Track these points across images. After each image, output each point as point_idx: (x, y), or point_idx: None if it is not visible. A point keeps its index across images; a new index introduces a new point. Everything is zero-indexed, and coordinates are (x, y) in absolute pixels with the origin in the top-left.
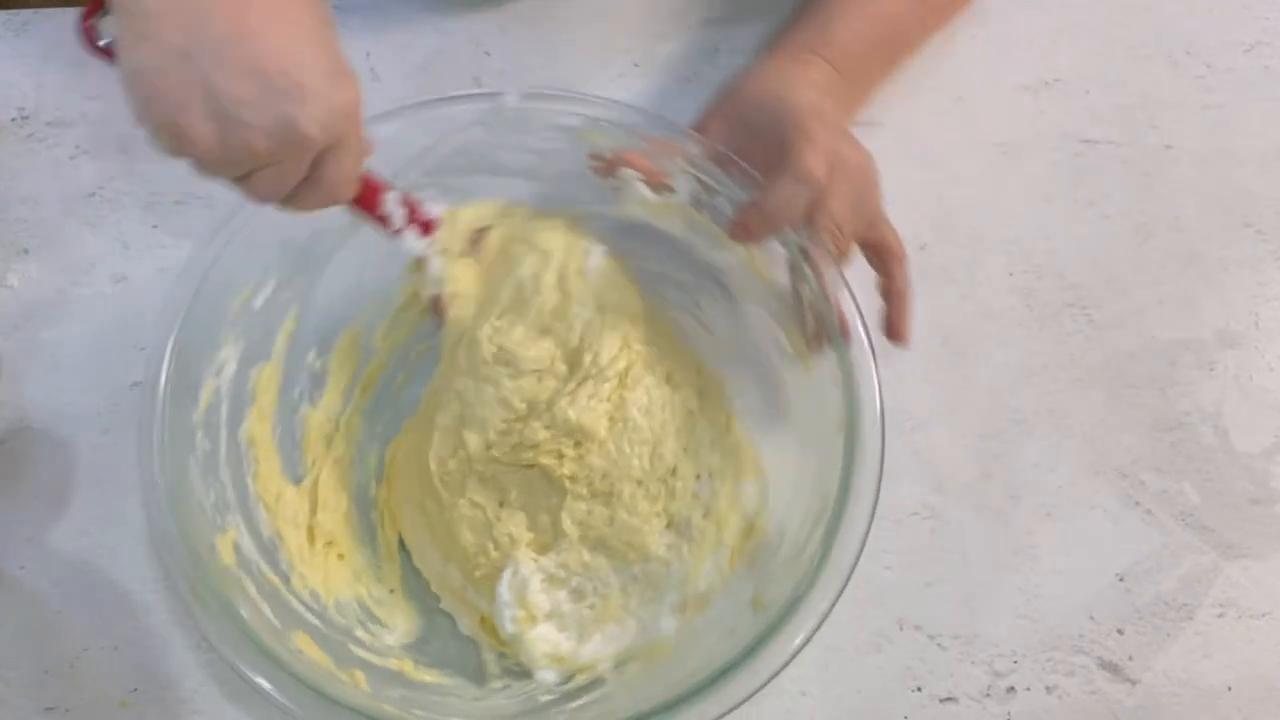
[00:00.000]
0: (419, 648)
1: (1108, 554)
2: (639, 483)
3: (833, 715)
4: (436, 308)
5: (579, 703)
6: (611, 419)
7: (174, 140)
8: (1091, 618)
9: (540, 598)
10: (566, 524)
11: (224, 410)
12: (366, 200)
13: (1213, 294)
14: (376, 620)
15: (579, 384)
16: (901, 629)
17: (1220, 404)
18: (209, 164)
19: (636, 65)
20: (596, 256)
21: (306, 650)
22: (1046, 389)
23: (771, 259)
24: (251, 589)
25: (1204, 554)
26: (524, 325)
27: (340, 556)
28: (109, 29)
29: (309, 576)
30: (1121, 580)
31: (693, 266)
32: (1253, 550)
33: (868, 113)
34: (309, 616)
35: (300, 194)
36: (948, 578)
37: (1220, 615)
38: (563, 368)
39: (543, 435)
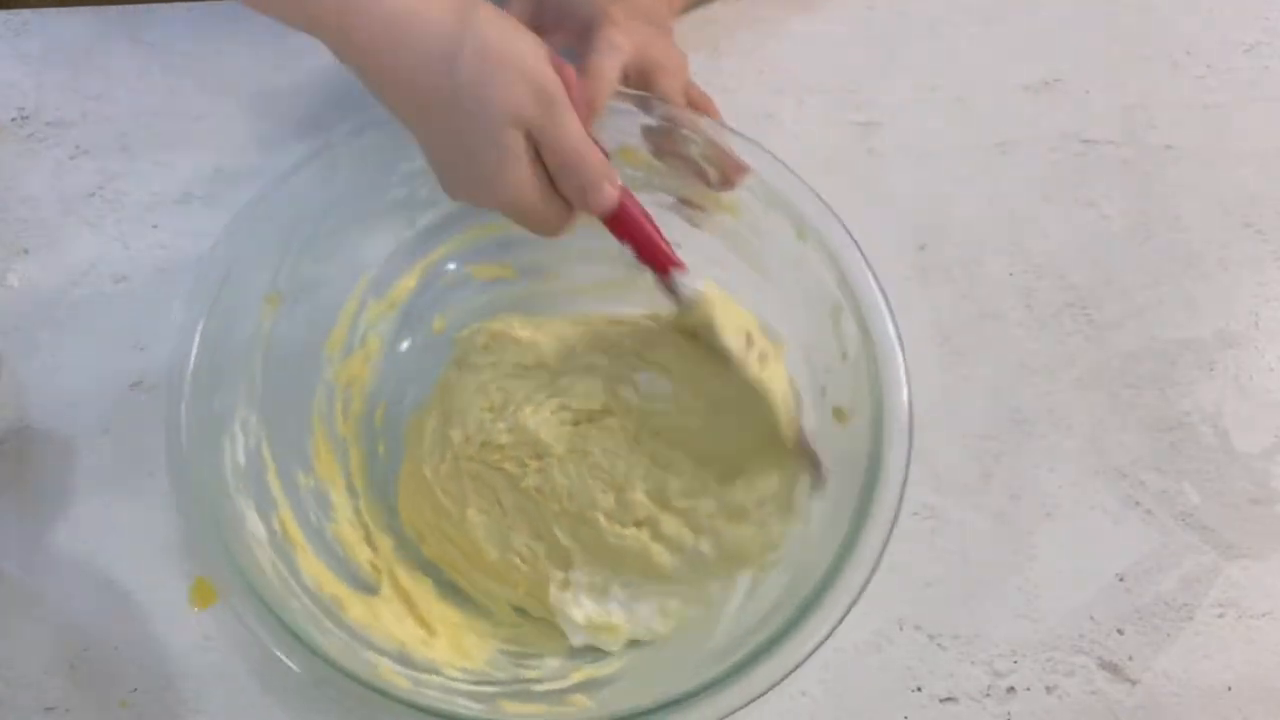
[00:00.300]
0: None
1: (1108, 554)
2: (609, 517)
3: (833, 715)
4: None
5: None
6: (571, 444)
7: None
8: (1091, 618)
9: (598, 610)
10: (562, 538)
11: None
12: (635, 219)
13: (1213, 294)
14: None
15: (549, 395)
16: (901, 629)
17: (1220, 404)
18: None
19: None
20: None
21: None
22: (1046, 389)
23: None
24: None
25: (1204, 554)
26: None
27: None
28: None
29: (446, 661)
30: (1121, 580)
31: None
32: (1253, 550)
33: (868, 112)
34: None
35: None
36: (948, 578)
37: (1220, 615)
38: (545, 376)
39: (505, 439)
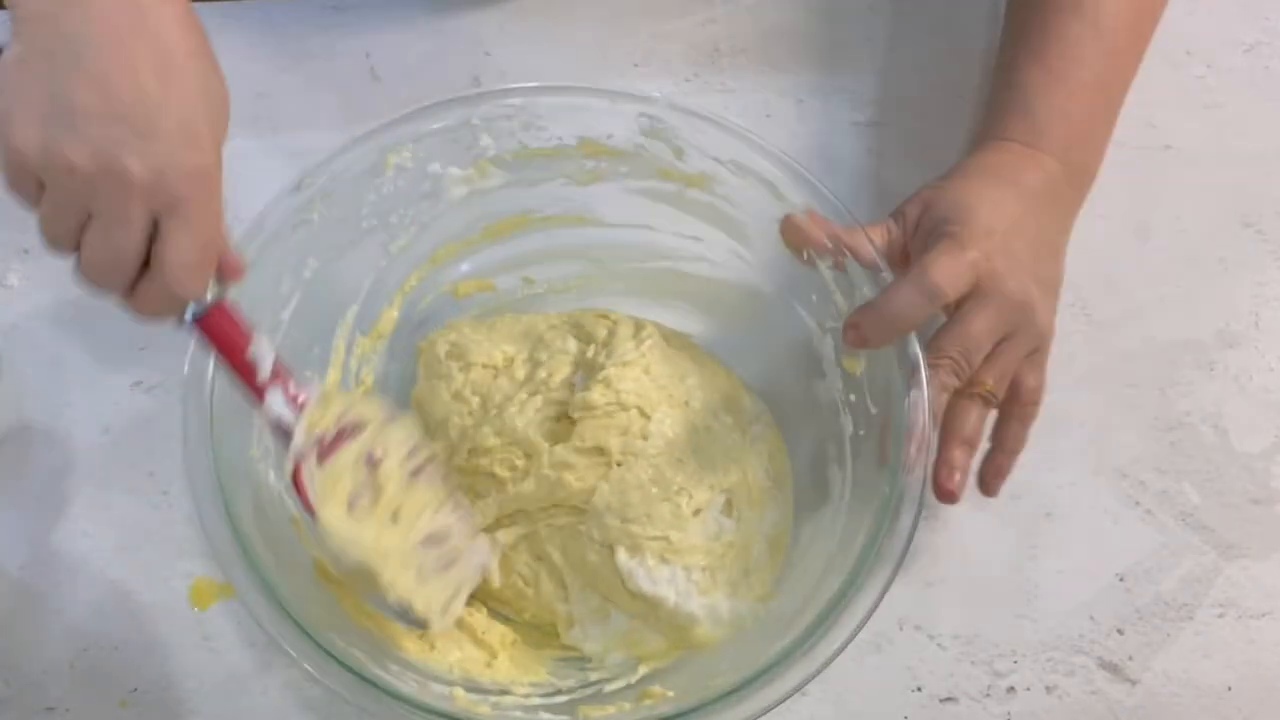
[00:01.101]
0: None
1: (1108, 554)
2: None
3: (832, 715)
4: (298, 482)
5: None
6: (557, 438)
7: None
8: (1091, 618)
9: (608, 631)
10: (554, 555)
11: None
12: (227, 336)
13: (1213, 294)
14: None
15: (530, 394)
16: (901, 629)
17: (1220, 404)
18: (19, 168)
19: (636, 65)
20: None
21: None
22: (1047, 389)
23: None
24: None
25: (1204, 554)
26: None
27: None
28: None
29: (512, 680)
30: (1121, 580)
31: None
32: (1253, 550)
33: (868, 113)
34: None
35: (141, 283)
36: (948, 578)
37: (1220, 615)
38: (520, 373)
39: (492, 441)
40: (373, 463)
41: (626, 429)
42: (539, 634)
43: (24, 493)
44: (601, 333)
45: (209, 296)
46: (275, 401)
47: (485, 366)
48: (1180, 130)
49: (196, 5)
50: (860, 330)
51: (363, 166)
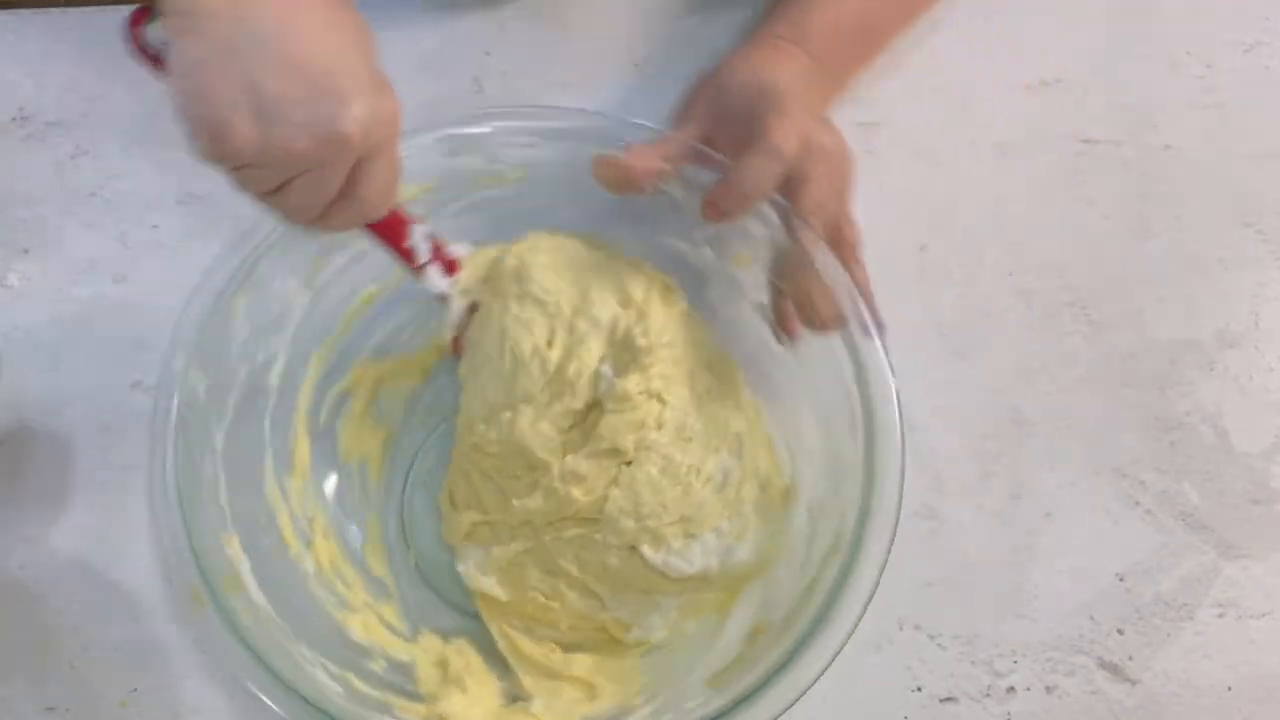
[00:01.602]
0: None
1: (1108, 554)
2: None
3: (832, 715)
4: (457, 348)
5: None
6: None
7: (215, 138)
8: (1091, 618)
9: (667, 618)
10: (569, 568)
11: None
12: (393, 230)
13: (1213, 294)
14: None
15: (551, 399)
16: (901, 629)
17: (1220, 404)
18: (247, 165)
19: (636, 65)
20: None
21: None
22: (1046, 389)
23: (753, 255)
24: None
25: (1204, 554)
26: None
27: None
28: (157, 33)
29: (630, 706)
30: (1121, 580)
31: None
32: (1253, 550)
33: (868, 112)
34: None
35: (334, 209)
36: (948, 578)
37: (1220, 615)
38: (554, 357)
39: (494, 449)
40: None
41: (643, 421)
42: (609, 640)
43: (24, 493)
44: (638, 292)
45: None
46: (434, 277)
47: (538, 303)
48: (1180, 130)
49: None
50: (718, 205)
51: (218, 324)
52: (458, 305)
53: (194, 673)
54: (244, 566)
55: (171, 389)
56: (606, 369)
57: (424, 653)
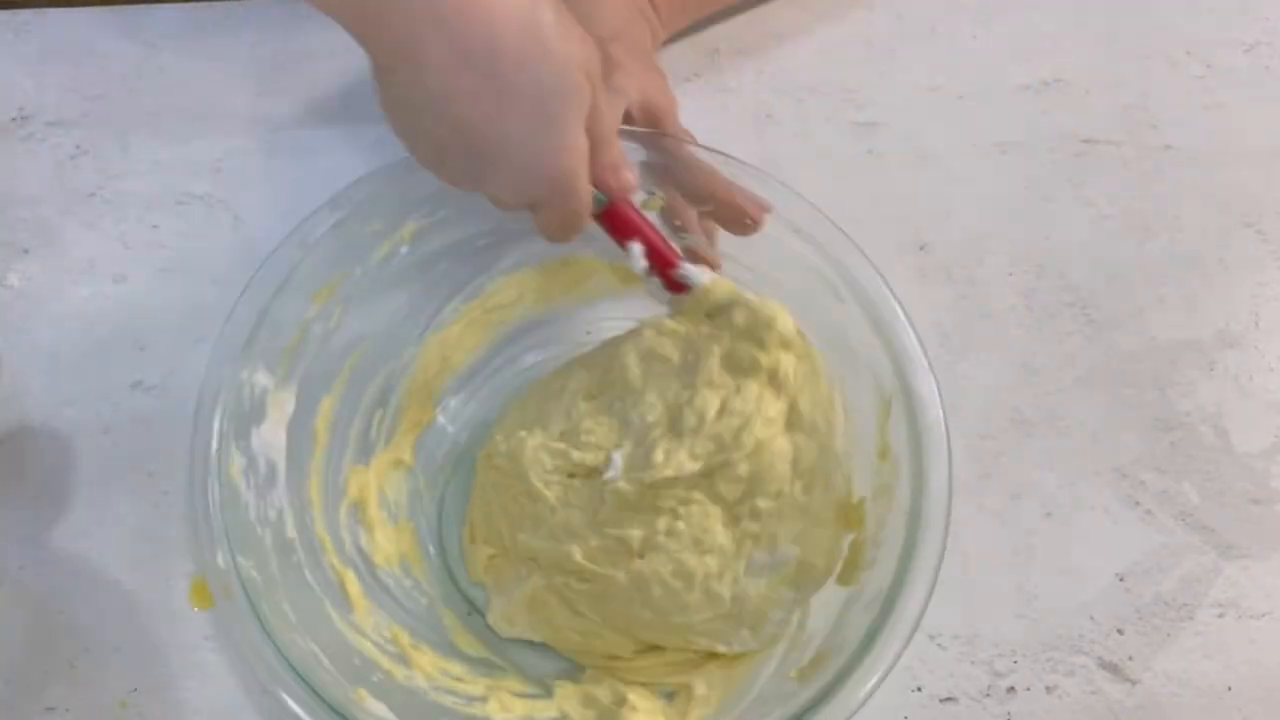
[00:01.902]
0: None
1: (1108, 554)
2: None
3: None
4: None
5: None
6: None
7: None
8: (1091, 618)
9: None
10: (593, 616)
11: None
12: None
13: (1213, 294)
14: None
15: (562, 430)
16: None
17: (1220, 404)
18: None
19: None
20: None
21: None
22: (1046, 389)
23: None
24: None
25: (1204, 554)
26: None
27: None
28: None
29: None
30: (1121, 580)
31: None
32: (1253, 550)
33: (868, 112)
34: None
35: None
36: (948, 578)
37: (1220, 615)
38: (575, 414)
39: (502, 462)
40: None
41: (651, 522)
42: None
43: (24, 493)
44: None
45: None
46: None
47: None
48: (1180, 130)
49: (196, 4)
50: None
51: (230, 502)
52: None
53: (194, 673)
54: (387, 713)
55: (230, 583)
56: (617, 459)
57: (566, 701)
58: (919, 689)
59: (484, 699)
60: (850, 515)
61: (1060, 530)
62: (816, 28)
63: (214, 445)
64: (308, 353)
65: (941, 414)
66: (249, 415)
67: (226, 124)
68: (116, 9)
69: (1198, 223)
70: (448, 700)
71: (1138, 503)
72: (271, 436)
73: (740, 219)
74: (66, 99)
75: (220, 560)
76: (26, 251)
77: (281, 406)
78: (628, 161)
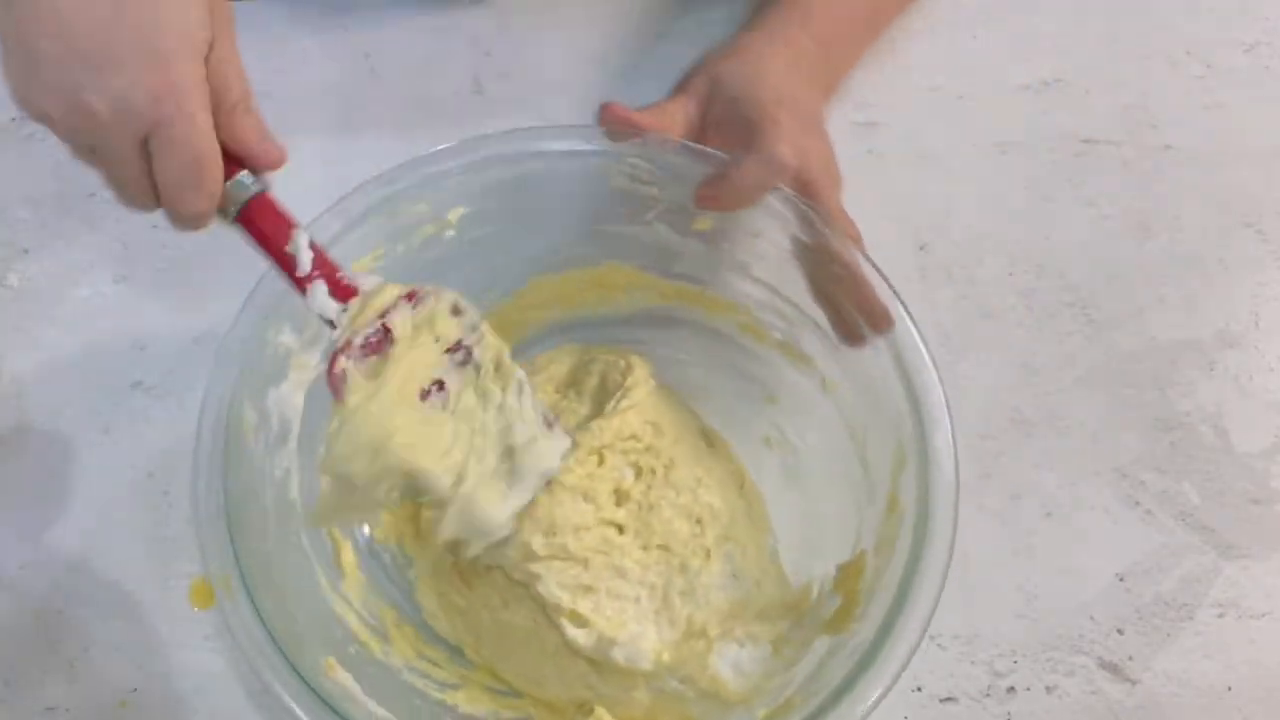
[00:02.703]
0: None
1: (1108, 554)
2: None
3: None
4: (332, 380)
5: None
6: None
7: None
8: (1091, 618)
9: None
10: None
11: None
12: (267, 230)
13: (1213, 294)
14: None
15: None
16: None
17: (1220, 404)
18: (29, 115)
19: (636, 66)
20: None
21: None
22: (1046, 389)
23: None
24: None
25: (1204, 554)
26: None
27: None
28: None
29: None
30: (1121, 580)
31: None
32: (1253, 550)
33: (868, 112)
34: None
35: (144, 192)
36: (948, 578)
37: (1220, 615)
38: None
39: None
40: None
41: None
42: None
43: (24, 493)
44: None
45: (248, 191)
46: (318, 295)
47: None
48: (1180, 130)
49: None
50: (718, 199)
51: (235, 452)
52: (339, 329)
53: (194, 673)
54: (353, 685)
55: (222, 533)
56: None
57: (535, 704)
58: (919, 689)
59: (456, 688)
60: (797, 600)
61: (1060, 530)
62: None
63: (228, 396)
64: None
65: (954, 473)
66: (269, 373)
67: None
68: None
69: (1198, 223)
70: (420, 683)
71: (1138, 503)
72: (290, 396)
73: (858, 323)
74: None
75: (207, 509)
76: (26, 251)
77: (304, 369)
78: (269, 133)
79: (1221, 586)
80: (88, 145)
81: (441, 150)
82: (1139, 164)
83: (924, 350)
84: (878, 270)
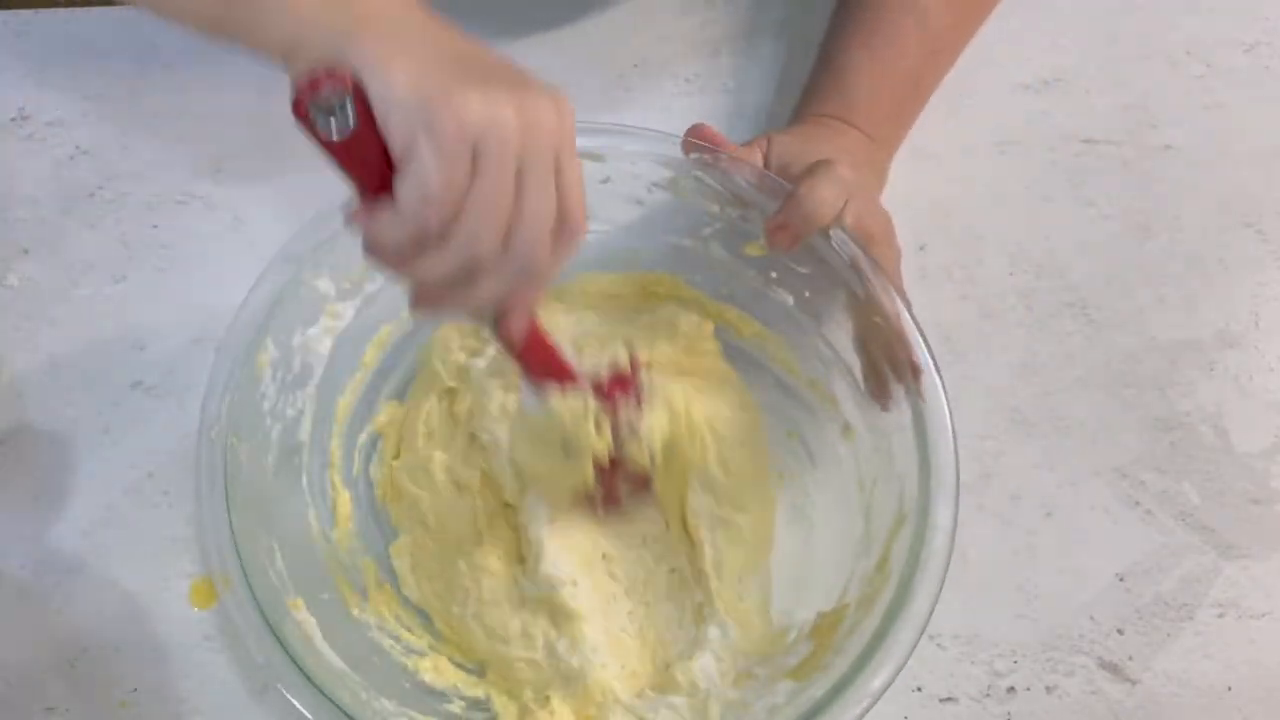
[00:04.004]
0: None
1: (1108, 554)
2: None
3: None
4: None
5: None
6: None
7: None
8: (1091, 618)
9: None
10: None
11: None
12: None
13: (1213, 294)
14: None
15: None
16: None
17: (1220, 404)
18: (458, 142)
19: (636, 66)
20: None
21: None
22: (1046, 389)
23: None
24: None
25: (1204, 554)
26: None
27: None
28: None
29: None
30: (1121, 580)
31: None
32: (1253, 550)
33: None
34: None
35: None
36: (948, 578)
37: (1220, 615)
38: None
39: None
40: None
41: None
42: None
43: (24, 493)
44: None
45: None
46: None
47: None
48: (1180, 130)
49: None
50: (787, 225)
51: (246, 386)
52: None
53: (194, 673)
54: (314, 629)
55: (215, 459)
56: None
57: (494, 685)
58: (919, 689)
59: (422, 655)
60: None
61: (1060, 530)
62: (817, 27)
63: (251, 330)
64: (378, 277)
65: (949, 547)
66: (298, 314)
67: (226, 124)
68: (116, 9)
69: (1198, 223)
70: (387, 643)
71: (1138, 503)
72: (316, 342)
73: (888, 379)
74: (66, 99)
75: (213, 434)
76: (26, 251)
77: (337, 317)
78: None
79: (1221, 586)
80: (520, 164)
81: None
82: (1139, 164)
83: (948, 419)
84: (920, 332)
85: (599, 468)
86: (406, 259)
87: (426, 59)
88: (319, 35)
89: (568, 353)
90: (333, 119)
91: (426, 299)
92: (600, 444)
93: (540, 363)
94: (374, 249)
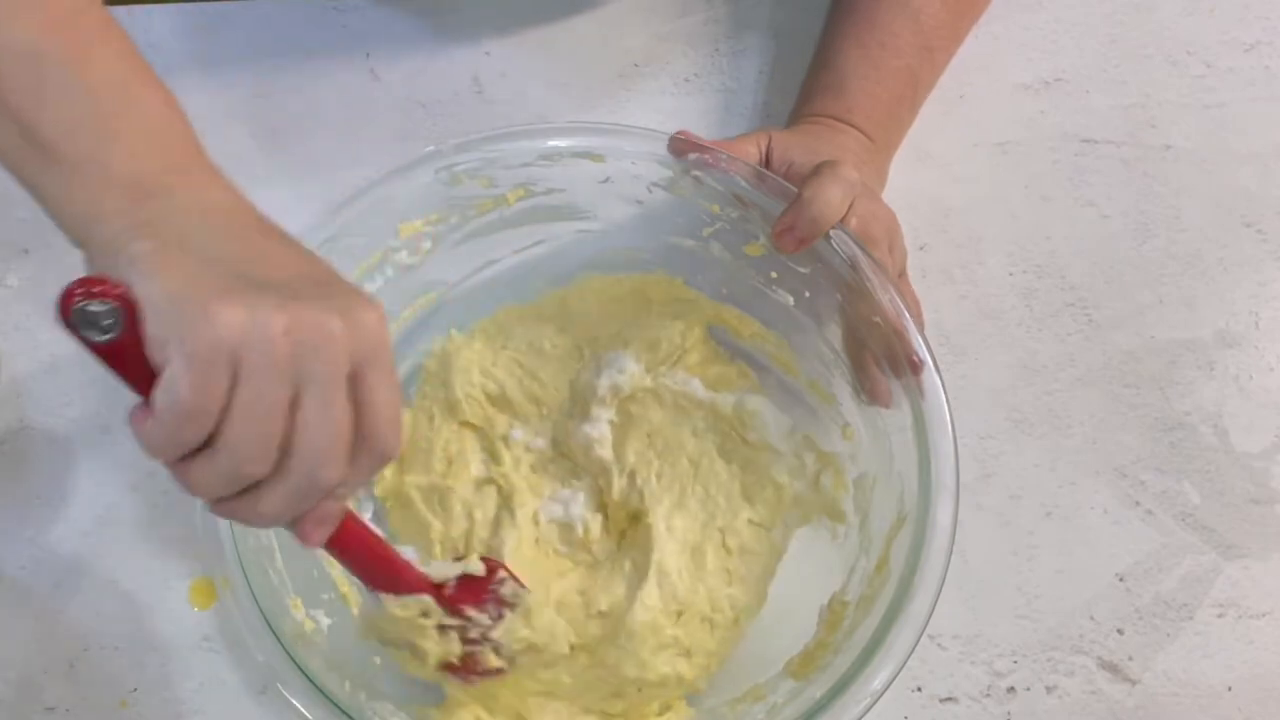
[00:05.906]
0: None
1: (1108, 554)
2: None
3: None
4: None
5: None
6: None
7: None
8: (1091, 618)
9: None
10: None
11: None
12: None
13: (1213, 294)
14: None
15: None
16: None
17: (1220, 404)
18: (212, 356)
19: (636, 65)
20: None
21: None
22: (1046, 389)
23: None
24: None
25: (1204, 554)
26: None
27: None
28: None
29: None
30: (1121, 580)
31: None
32: (1253, 550)
33: None
34: None
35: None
36: (948, 578)
37: (1220, 615)
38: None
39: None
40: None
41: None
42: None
43: (24, 493)
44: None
45: None
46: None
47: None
48: (1180, 130)
49: (196, 4)
50: (795, 231)
51: None
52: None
53: (194, 673)
54: (314, 629)
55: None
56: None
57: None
58: (919, 689)
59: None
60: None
61: (1060, 530)
62: (817, 27)
63: None
64: (383, 275)
65: (949, 548)
66: None
67: (227, 124)
68: (116, 10)
69: (1198, 223)
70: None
71: (1138, 503)
72: None
73: (881, 378)
74: None
75: None
76: (26, 251)
77: None
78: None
79: (1221, 586)
80: (295, 377)
81: (518, 129)
82: (1139, 164)
83: (948, 419)
84: (920, 331)
85: (449, 665)
86: (178, 468)
87: (203, 264)
88: (108, 229)
89: (411, 556)
90: (93, 328)
91: (218, 507)
92: (442, 649)
93: (365, 570)
94: (148, 452)
